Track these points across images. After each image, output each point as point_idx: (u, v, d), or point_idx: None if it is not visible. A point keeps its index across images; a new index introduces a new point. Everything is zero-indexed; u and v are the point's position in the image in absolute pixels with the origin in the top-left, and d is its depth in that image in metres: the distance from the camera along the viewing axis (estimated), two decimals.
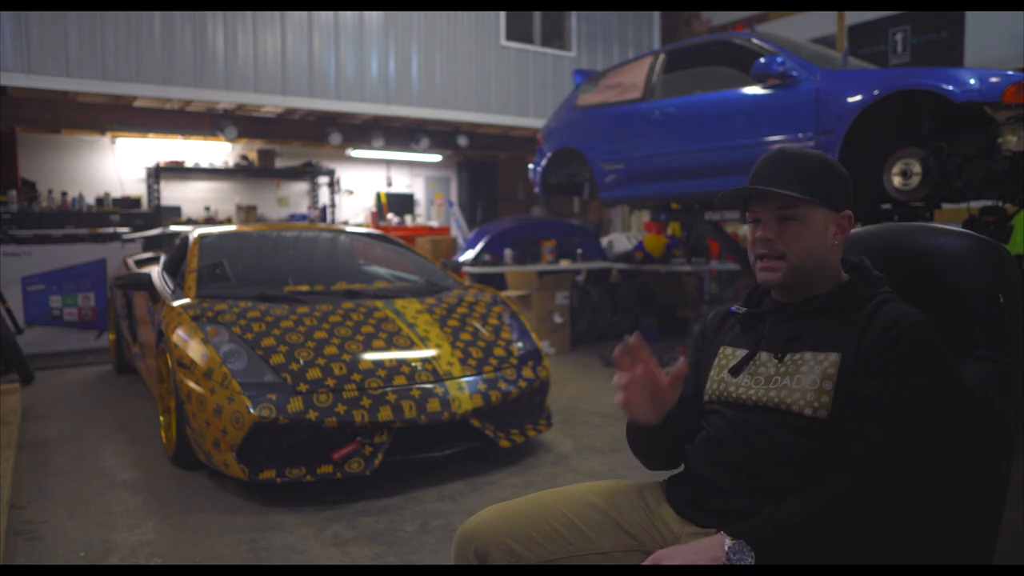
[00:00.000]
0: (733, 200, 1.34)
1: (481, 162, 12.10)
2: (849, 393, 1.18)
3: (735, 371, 1.33)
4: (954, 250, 1.30)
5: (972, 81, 3.54)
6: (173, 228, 6.80)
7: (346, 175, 10.90)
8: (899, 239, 1.40)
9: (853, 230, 1.40)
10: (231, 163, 9.83)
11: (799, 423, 1.21)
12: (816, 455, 1.19)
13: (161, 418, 3.66)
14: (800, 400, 1.21)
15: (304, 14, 7.79)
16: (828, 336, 1.24)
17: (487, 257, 7.00)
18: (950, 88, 3.56)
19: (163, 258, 4.67)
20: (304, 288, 3.86)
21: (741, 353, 1.35)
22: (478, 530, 1.32)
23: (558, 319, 6.57)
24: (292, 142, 9.52)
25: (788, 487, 1.18)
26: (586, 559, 1.29)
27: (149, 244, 6.74)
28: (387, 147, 9.48)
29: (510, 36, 9.21)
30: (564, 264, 7.13)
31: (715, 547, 1.10)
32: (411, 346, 3.38)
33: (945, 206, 4.61)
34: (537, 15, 9.50)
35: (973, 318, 1.25)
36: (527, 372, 3.54)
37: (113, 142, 9.15)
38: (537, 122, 8.99)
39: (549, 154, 6.26)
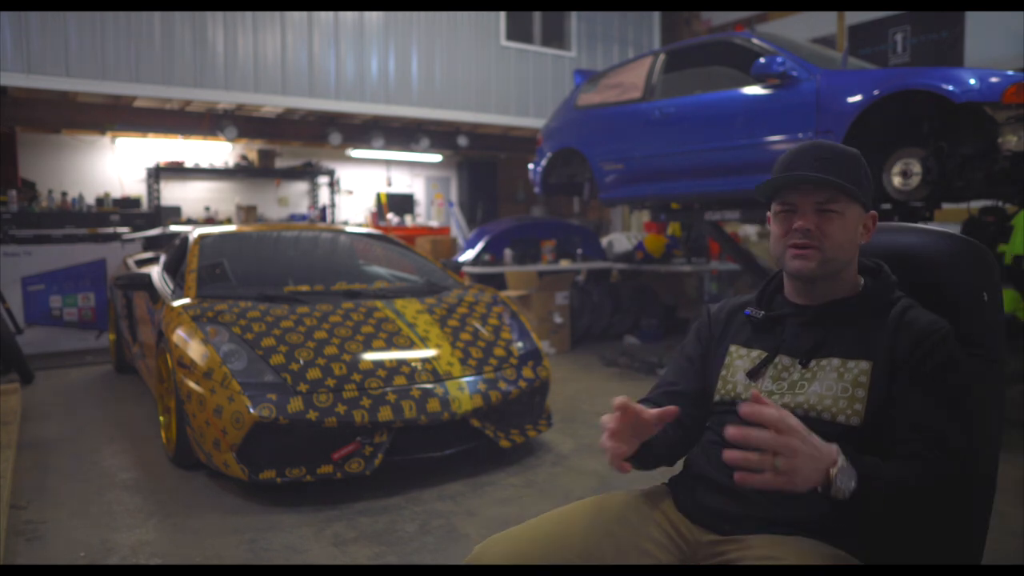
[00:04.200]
0: (782, 185, 1.29)
1: (481, 162, 12.10)
2: (888, 402, 1.18)
3: (753, 375, 1.31)
4: (940, 250, 1.36)
5: (972, 81, 3.54)
6: (173, 228, 6.80)
7: (346, 175, 10.91)
8: (887, 239, 1.43)
9: None
10: (231, 163, 9.83)
11: (829, 430, 1.18)
12: None
13: (161, 418, 3.66)
14: (832, 407, 1.20)
15: (304, 14, 7.79)
16: (855, 343, 1.24)
17: (487, 257, 7.00)
18: (950, 88, 3.56)
19: (163, 258, 4.67)
20: (304, 288, 3.86)
21: (756, 355, 1.33)
22: (507, 553, 1.24)
23: (558, 319, 6.57)
24: (292, 142, 9.52)
25: (812, 493, 1.15)
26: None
27: (149, 244, 6.74)
28: (387, 147, 9.48)
29: (510, 36, 9.21)
30: (564, 264, 7.13)
31: (830, 456, 1.04)
32: (411, 346, 3.38)
33: (945, 206, 4.61)
34: (537, 15, 9.50)
35: (960, 316, 1.29)
36: (527, 372, 3.54)
37: (113, 142, 9.15)
38: (537, 122, 8.99)
39: (549, 154, 6.26)
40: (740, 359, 1.35)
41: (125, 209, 8.87)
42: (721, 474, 1.27)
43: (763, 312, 1.36)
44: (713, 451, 1.32)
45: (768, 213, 1.34)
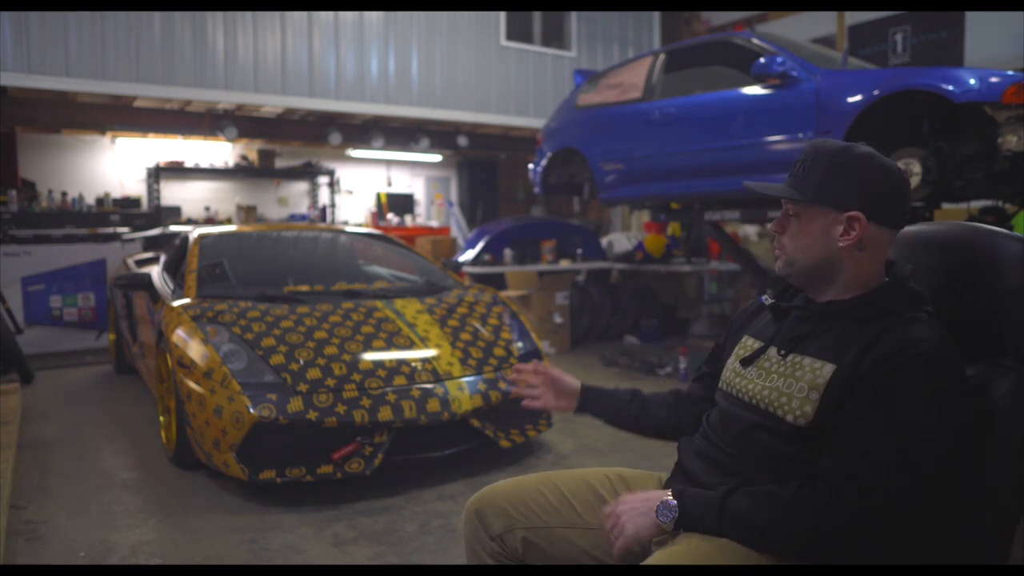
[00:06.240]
0: (756, 194, 1.40)
1: (481, 162, 12.10)
2: (838, 406, 1.16)
3: (745, 362, 1.35)
4: (1000, 252, 1.21)
5: (972, 81, 3.54)
6: (173, 228, 6.80)
7: (346, 175, 10.90)
8: (942, 237, 1.33)
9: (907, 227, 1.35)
10: (231, 163, 9.83)
11: (781, 428, 1.22)
12: (794, 461, 1.20)
13: (161, 418, 3.66)
14: (785, 405, 1.21)
15: (304, 14, 7.79)
16: (831, 344, 1.22)
17: (487, 257, 7.00)
18: (950, 88, 3.56)
19: (163, 258, 4.67)
20: (304, 288, 3.86)
21: (758, 345, 1.36)
22: (483, 496, 1.47)
23: (558, 319, 6.57)
24: (292, 142, 9.52)
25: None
26: (572, 531, 1.40)
27: (149, 244, 6.74)
28: (387, 147, 9.48)
29: (510, 36, 9.21)
30: (564, 264, 7.13)
31: (655, 499, 1.21)
32: (411, 346, 3.38)
33: (945, 206, 4.61)
34: (537, 15, 9.50)
35: (1002, 326, 1.19)
36: None
37: (113, 142, 9.15)
38: (537, 122, 8.99)
39: (549, 154, 6.26)
40: (744, 348, 1.39)
41: (125, 209, 8.86)
42: (690, 461, 1.35)
43: (772, 300, 1.38)
44: (696, 439, 1.39)
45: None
